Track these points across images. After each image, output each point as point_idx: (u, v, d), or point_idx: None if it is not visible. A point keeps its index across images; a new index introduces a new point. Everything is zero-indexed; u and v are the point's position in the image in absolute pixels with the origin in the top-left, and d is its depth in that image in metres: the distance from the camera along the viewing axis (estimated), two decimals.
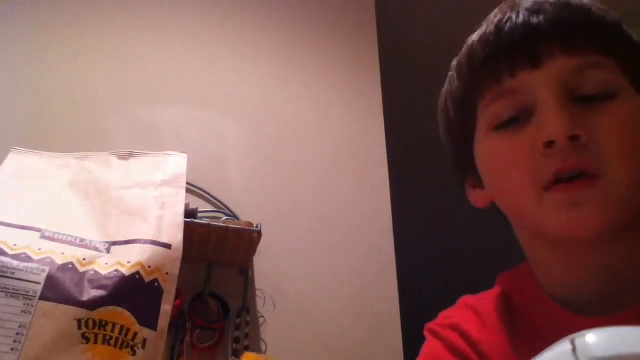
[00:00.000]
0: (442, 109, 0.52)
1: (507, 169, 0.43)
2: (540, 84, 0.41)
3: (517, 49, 0.42)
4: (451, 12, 1.77)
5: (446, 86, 0.51)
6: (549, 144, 0.39)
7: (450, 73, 0.50)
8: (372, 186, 1.49)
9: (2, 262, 0.80)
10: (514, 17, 0.43)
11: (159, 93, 1.43)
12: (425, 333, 0.50)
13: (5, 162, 1.02)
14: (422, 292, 1.95)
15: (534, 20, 0.42)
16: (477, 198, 0.50)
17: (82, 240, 0.90)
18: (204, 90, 1.47)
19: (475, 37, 0.46)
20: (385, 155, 1.54)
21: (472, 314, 0.49)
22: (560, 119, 0.39)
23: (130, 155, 1.10)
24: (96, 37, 1.44)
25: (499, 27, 0.43)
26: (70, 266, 0.84)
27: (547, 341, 0.20)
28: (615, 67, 0.41)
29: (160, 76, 1.45)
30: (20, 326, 0.77)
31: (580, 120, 0.39)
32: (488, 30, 0.44)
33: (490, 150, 0.45)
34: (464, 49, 0.47)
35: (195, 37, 1.54)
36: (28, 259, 0.82)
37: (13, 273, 0.80)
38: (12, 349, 0.75)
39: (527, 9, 0.43)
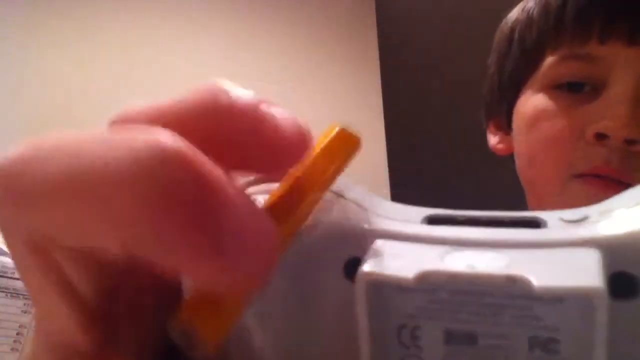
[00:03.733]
0: (504, 36, 0.45)
1: (547, 136, 0.38)
2: (625, 64, 0.35)
3: (622, 15, 0.36)
4: (453, 8, 1.77)
5: (519, 15, 0.44)
6: (601, 137, 0.34)
7: (529, 3, 0.43)
8: (371, 184, 1.49)
9: (2, 262, 0.80)
10: None
11: (158, 93, 1.43)
12: None
13: None
14: None
15: None
16: (498, 142, 0.47)
17: None
18: None
19: None
20: (385, 155, 1.54)
21: None
22: (626, 116, 0.34)
23: None
24: (96, 37, 1.44)
25: None
26: None
27: None
28: None
29: (160, 76, 1.45)
30: (20, 326, 0.77)
31: None
32: None
33: (541, 109, 0.39)
34: None
35: (194, 37, 1.54)
36: None
37: (13, 273, 0.80)
38: (12, 349, 0.75)
39: None
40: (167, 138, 0.10)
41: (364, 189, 0.15)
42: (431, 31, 1.84)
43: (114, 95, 1.38)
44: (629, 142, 0.34)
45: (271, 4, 1.67)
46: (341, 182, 0.14)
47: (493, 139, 0.48)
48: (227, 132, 0.12)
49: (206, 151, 0.11)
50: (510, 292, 0.11)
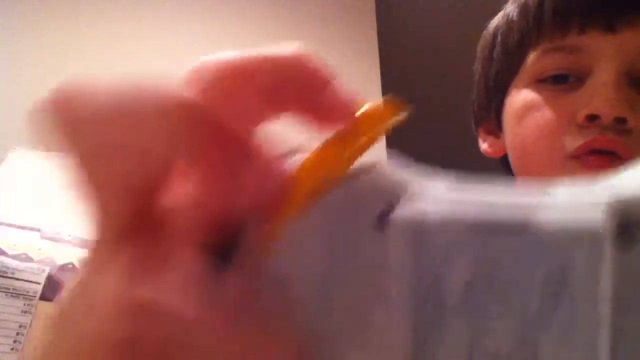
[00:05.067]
0: (487, 43, 0.48)
1: (538, 124, 0.39)
2: (606, 51, 0.37)
3: (599, 4, 0.38)
4: (453, 7, 1.77)
5: (499, 21, 0.46)
6: (592, 118, 0.36)
7: (508, 8, 0.45)
8: None
9: (2, 262, 0.80)
10: None
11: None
12: None
13: (5, 162, 1.02)
14: None
15: None
16: (489, 145, 0.48)
17: (82, 240, 0.90)
18: None
19: None
20: (385, 154, 1.54)
21: None
22: (614, 97, 0.35)
23: None
24: (96, 36, 1.44)
25: None
26: (71, 266, 0.84)
27: None
28: None
29: (160, 73, 1.45)
30: (20, 326, 0.77)
31: (631, 104, 0.36)
32: None
33: (528, 102, 0.41)
34: None
35: (193, 35, 1.54)
36: (28, 259, 0.82)
37: (13, 273, 0.80)
38: (12, 349, 0.75)
39: None
40: (193, 98, 0.14)
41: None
42: (431, 30, 1.85)
43: None
44: (620, 120, 0.35)
45: (271, 3, 1.68)
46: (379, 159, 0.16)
47: (483, 145, 0.49)
48: (303, 85, 0.15)
49: (277, 92, 0.15)
50: (525, 233, 0.13)
